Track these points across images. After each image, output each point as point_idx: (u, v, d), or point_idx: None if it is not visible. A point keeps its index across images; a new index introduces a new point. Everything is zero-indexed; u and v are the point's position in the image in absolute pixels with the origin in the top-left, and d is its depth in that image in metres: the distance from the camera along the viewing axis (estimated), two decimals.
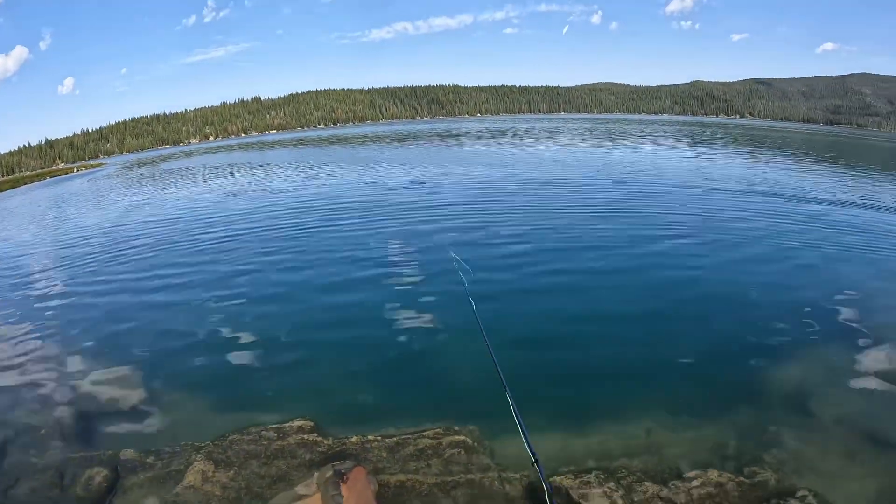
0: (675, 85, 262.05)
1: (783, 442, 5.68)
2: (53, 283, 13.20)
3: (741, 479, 5.10)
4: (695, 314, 8.60)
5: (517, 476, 4.93)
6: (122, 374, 7.69)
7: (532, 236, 13.05)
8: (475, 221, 14.82)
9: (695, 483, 4.99)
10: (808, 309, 8.70)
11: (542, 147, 44.44)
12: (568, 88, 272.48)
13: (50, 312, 10.94)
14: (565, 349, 7.46)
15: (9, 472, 6.10)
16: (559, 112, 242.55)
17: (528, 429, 3.77)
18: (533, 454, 3.39)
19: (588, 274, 10.32)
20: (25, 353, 9.05)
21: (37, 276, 14.45)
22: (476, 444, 5.13)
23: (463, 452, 5.05)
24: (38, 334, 9.81)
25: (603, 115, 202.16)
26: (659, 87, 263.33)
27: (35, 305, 11.58)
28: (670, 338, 7.72)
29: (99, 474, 5.56)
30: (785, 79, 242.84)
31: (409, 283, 9.96)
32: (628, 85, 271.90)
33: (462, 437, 5.22)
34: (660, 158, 34.09)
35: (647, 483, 4.92)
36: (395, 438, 5.37)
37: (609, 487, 4.81)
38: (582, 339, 7.72)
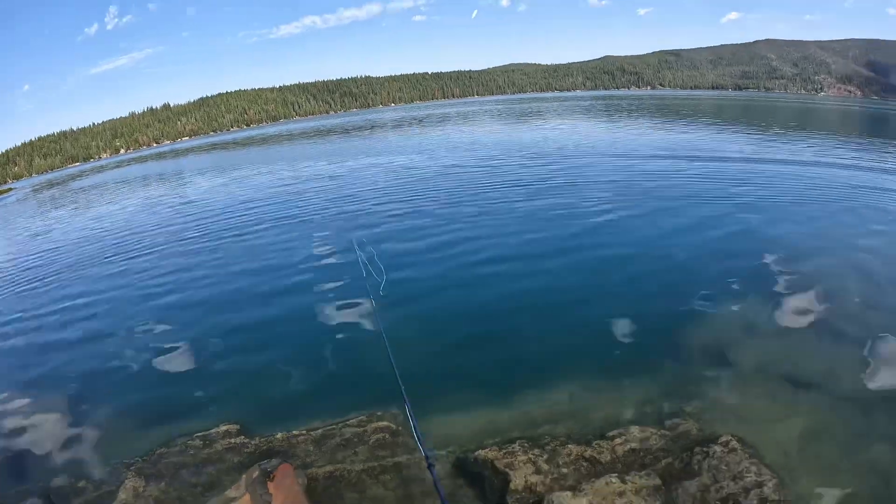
0: (586, 61, 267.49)
1: (704, 393, 5.96)
2: None
3: (663, 431, 5.36)
4: (616, 281, 8.91)
5: (444, 454, 5.14)
6: (47, 403, 7.54)
7: (448, 222, 13.23)
8: (391, 212, 14.96)
9: (618, 441, 5.22)
10: (729, 266, 9.17)
11: (458, 131, 44.82)
12: (480, 72, 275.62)
13: None
14: (485, 328, 7.68)
15: None
16: (473, 96, 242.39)
17: (423, 434, 4.00)
18: (427, 457, 3.48)
19: (507, 250, 10.54)
20: None
21: None
22: (401, 427, 5.31)
23: (388, 437, 5.22)
24: None
25: (517, 96, 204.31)
26: (570, 65, 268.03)
27: None
28: (592, 305, 8.02)
29: None
30: (693, 49, 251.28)
31: (321, 283, 9.98)
32: (540, 64, 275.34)
33: (386, 423, 5.40)
34: (576, 133, 34.78)
35: (570, 446, 5.13)
36: (320, 431, 5.49)
37: (533, 454, 5.01)
38: (503, 316, 7.96)
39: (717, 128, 36.01)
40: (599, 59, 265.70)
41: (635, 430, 5.33)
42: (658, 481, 4.76)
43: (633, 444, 5.19)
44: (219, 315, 9.35)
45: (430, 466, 3.46)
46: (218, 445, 5.54)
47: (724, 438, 5.14)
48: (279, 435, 5.51)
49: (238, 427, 5.82)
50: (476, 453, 5.01)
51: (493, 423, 5.52)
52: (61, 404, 7.42)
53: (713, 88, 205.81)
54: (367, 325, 7.11)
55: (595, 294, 8.31)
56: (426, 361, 6.67)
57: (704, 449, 5.04)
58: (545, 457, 5.01)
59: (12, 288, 14.19)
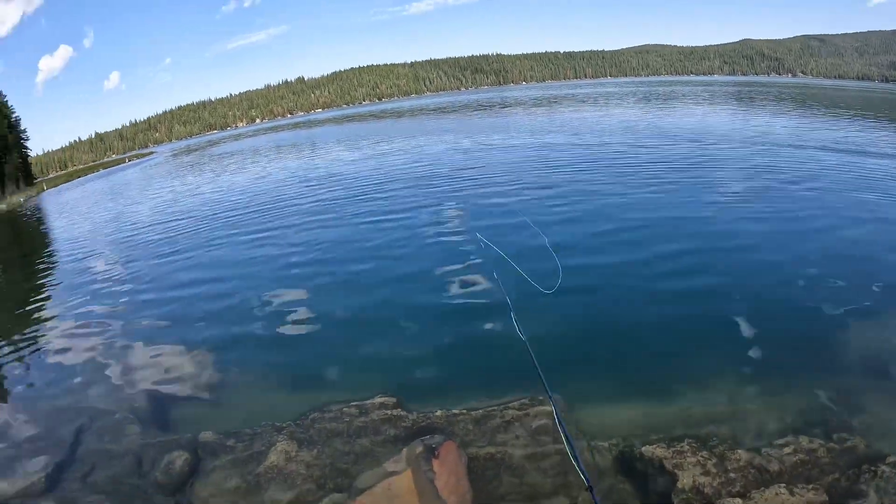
0: (723, 44, 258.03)
1: (869, 407, 5.61)
2: (118, 272, 13.82)
3: (831, 444, 5.06)
4: (770, 278, 8.40)
5: (605, 445, 4.99)
6: (194, 355, 7.93)
7: (585, 203, 12.94)
8: (528, 195, 14.48)
9: (786, 450, 4.96)
10: (891, 268, 8.48)
11: (595, 112, 43.26)
12: (613, 52, 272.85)
13: (117, 300, 11.41)
14: (635, 319, 7.42)
15: (85, 460, 6.24)
16: (605, 77, 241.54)
17: (579, 452, 3.72)
18: (587, 479, 3.28)
19: (651, 241, 10.06)
20: (94, 340, 9.36)
21: (101, 264, 15.26)
22: (563, 413, 5.09)
23: (551, 424, 5.04)
24: (106, 322, 10.18)
25: (651, 78, 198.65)
26: (707, 48, 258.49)
27: (102, 294, 12.11)
28: (747, 304, 7.53)
29: (179, 458, 5.67)
30: (838, 34, 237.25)
31: (454, 262, 9.87)
32: (675, 46, 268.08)
33: (548, 408, 5.18)
34: (718, 121, 32.85)
35: (739, 451, 4.90)
36: (480, 411, 5.41)
37: (702, 456, 4.80)
38: (651, 308, 7.65)
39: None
40: (737, 42, 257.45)
41: (804, 441, 5.04)
42: (825, 497, 4.49)
43: (801, 456, 4.91)
44: (356, 286, 9.53)
45: (590, 489, 3.26)
46: (374, 416, 5.53)
47: (892, 458, 4.82)
48: (438, 412, 5.46)
49: (395, 400, 5.82)
50: (642, 449, 4.83)
51: (651, 418, 5.32)
52: (209, 361, 7.71)
53: (859, 79, 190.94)
54: (507, 310, 6.93)
55: (750, 293, 7.84)
56: (575, 351, 6.57)
57: (872, 468, 4.72)
58: (713, 460, 4.78)
59: (154, 247, 15.59)
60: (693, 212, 11.78)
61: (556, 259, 8.53)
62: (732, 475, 4.68)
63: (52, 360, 8.98)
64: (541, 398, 5.37)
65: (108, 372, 7.95)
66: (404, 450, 4.93)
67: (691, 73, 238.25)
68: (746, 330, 6.83)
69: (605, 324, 7.25)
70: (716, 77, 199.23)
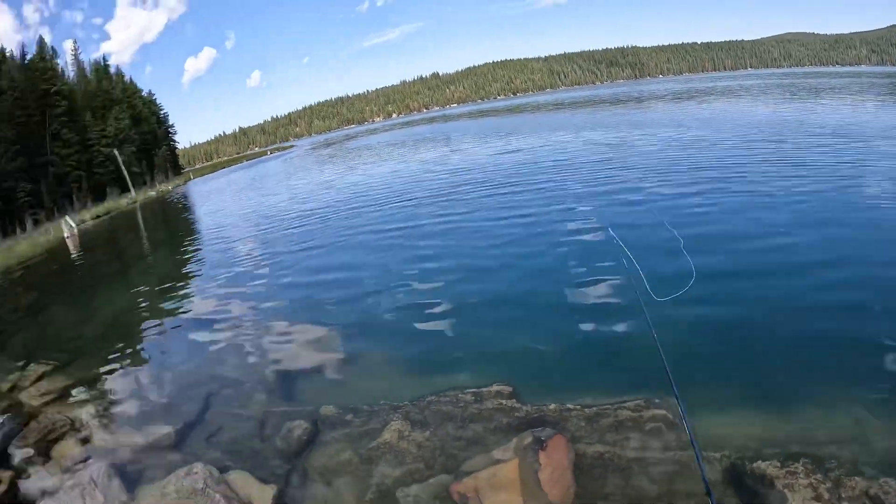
0: (870, 31, 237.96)
1: None
2: (255, 255, 15.39)
3: None
4: None
5: (717, 455, 4.96)
6: (322, 336, 8.58)
7: (727, 204, 12.36)
8: (665, 192, 14.07)
9: None
10: None
11: (738, 107, 40.55)
12: (753, 42, 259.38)
13: (253, 281, 12.64)
14: (766, 327, 7.10)
15: (212, 421, 6.88)
16: (745, 68, 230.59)
17: (695, 433, 3.76)
18: (707, 484, 3.30)
19: (795, 249, 9.45)
20: (230, 315, 10.46)
21: (240, 247, 17.09)
22: (676, 420, 5.14)
23: (663, 428, 5.11)
24: (242, 300, 11.29)
25: (794, 69, 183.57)
26: (852, 35, 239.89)
27: (240, 274, 13.54)
28: (885, 321, 7.02)
29: (299, 428, 6.17)
30: None
31: (582, 258, 9.87)
32: (818, 34, 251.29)
33: (663, 412, 5.28)
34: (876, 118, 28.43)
35: (856, 478, 4.72)
36: (594, 409, 5.50)
37: (816, 479, 4.68)
38: (785, 318, 7.28)
39: None
40: (886, 28, 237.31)
41: None
42: None
43: None
44: (483, 279, 9.80)
45: (709, 493, 3.30)
46: (488, 404, 5.80)
47: None
48: (552, 406, 5.62)
49: (511, 389, 6.04)
50: (754, 464, 4.77)
51: (771, 433, 5.21)
52: (335, 339, 8.37)
53: None
54: (635, 310, 6.92)
55: (889, 307, 7.27)
56: (698, 355, 6.45)
57: None
58: (828, 484, 4.66)
59: (290, 234, 17.11)
60: (850, 221, 10.79)
61: (689, 260, 8.37)
62: (846, 503, 4.57)
63: (190, 331, 10.05)
64: (657, 401, 5.41)
65: (240, 345, 8.78)
66: (514, 439, 5.14)
67: (836, 63, 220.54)
68: (892, 356, 6.45)
69: (735, 331, 7.01)
70: (863, 68, 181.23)
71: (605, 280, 8.68)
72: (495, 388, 6.06)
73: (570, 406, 5.56)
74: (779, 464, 4.80)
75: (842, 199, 12.17)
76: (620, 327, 7.19)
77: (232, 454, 6.20)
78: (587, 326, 7.41)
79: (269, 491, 5.42)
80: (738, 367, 6.29)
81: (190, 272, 15.68)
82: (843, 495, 4.62)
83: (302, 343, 8.46)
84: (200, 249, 19.10)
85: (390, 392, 6.48)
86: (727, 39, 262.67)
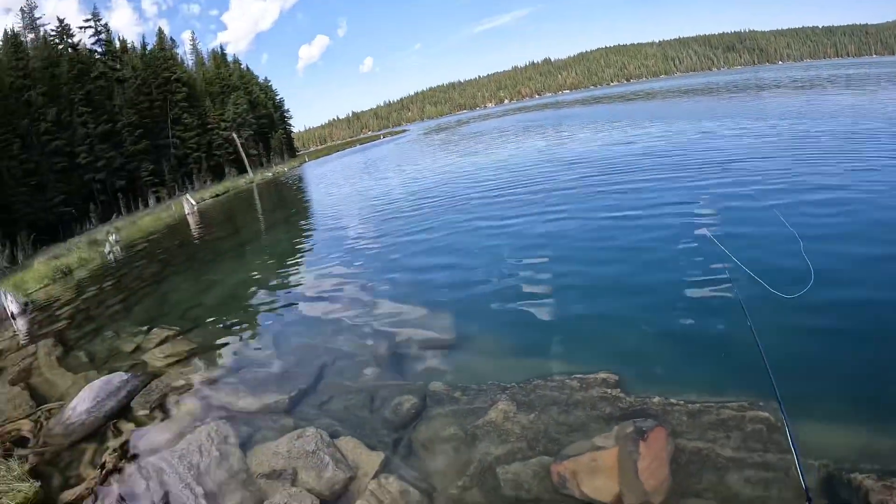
0: None
1: None
2: (369, 237, 16.14)
3: None
4: None
5: (815, 464, 5.06)
6: (432, 317, 9.13)
7: (857, 202, 11.44)
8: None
9: None
10: None
11: (865, 97, 37.12)
12: (879, 26, 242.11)
13: (367, 261, 13.41)
14: (880, 337, 6.81)
15: (324, 391, 7.51)
16: (870, 55, 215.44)
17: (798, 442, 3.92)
18: (807, 490, 3.47)
19: None
20: (344, 293, 11.17)
21: (353, 229, 18.03)
22: (779, 423, 5.27)
23: (765, 431, 5.26)
24: (356, 279, 11.99)
25: None
26: None
27: (355, 254, 14.36)
28: None
29: (407, 401, 6.70)
30: None
31: (686, 253, 9.78)
32: None
33: (765, 415, 5.40)
34: None
35: None
36: (697, 405, 5.68)
37: None
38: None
39: None
40: None
41: None
42: None
43: None
44: (591, 271, 9.90)
45: (809, 500, 3.48)
46: (593, 392, 6.14)
47: None
48: (656, 398, 5.87)
49: (616, 379, 6.32)
50: (852, 475, 4.87)
51: (872, 446, 5.26)
52: (446, 319, 8.86)
53: None
54: (745, 310, 6.97)
55: None
56: (808, 361, 6.42)
57: None
58: None
59: (402, 217, 17.62)
60: None
61: (808, 263, 8.33)
62: None
63: (306, 306, 10.87)
64: (761, 403, 5.52)
65: (354, 321, 9.47)
66: (615, 427, 5.47)
67: None
68: None
69: (849, 338, 6.84)
70: None
71: (714, 277, 8.59)
72: (601, 376, 6.33)
73: (673, 400, 5.77)
74: (876, 477, 4.86)
75: None
76: (727, 327, 7.19)
77: (342, 422, 6.79)
78: (694, 323, 7.47)
79: (377, 457, 5.96)
80: (848, 376, 6.21)
81: (304, 250, 16.71)
82: None
83: (412, 323, 8.99)
84: (314, 229, 20.37)
85: (498, 374, 6.90)
86: (850, 23, 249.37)
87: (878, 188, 12.38)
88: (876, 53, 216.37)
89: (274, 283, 13.05)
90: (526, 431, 5.81)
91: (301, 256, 15.67)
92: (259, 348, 9.38)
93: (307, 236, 18.70)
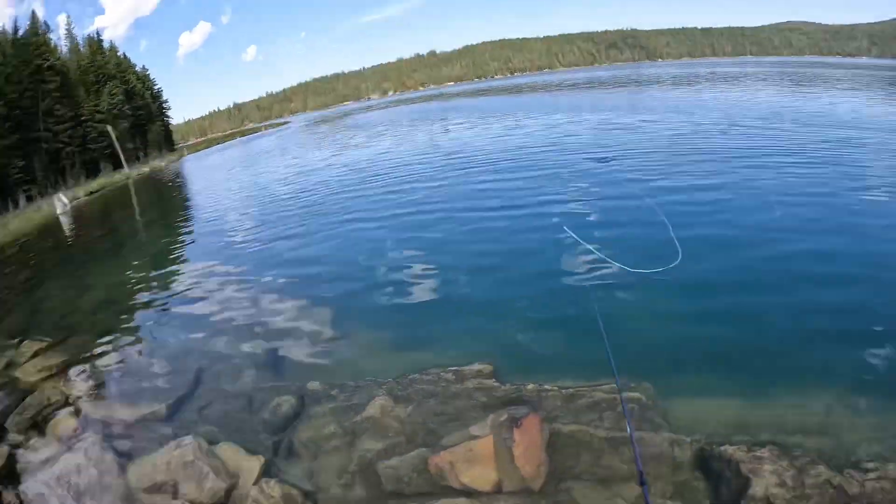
0: (874, 23, 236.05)
1: None
2: (249, 233, 15.70)
3: None
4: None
5: (687, 440, 5.18)
6: (312, 312, 8.91)
7: (722, 190, 12.49)
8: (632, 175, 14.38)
9: (871, 475, 4.91)
10: None
11: (736, 94, 40.63)
12: (754, 29, 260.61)
13: (246, 258, 12.97)
14: (751, 317, 7.28)
15: (203, 396, 7.19)
16: (745, 55, 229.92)
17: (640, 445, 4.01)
18: (641, 474, 3.48)
19: (782, 237, 9.58)
20: (222, 293, 10.70)
21: (233, 225, 17.40)
22: (650, 402, 5.40)
23: (637, 409, 5.32)
24: (234, 277, 11.61)
25: (795, 58, 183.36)
26: (854, 27, 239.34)
27: (233, 251, 13.86)
28: (869, 311, 7.21)
29: (286, 402, 6.48)
30: None
31: (587, 241, 9.85)
32: (820, 24, 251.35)
33: (637, 395, 5.51)
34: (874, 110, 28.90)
35: (820, 467, 4.92)
36: (570, 390, 5.75)
37: (781, 466, 4.89)
38: (772, 307, 7.42)
39: None
40: (889, 21, 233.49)
41: (891, 469, 5.04)
42: None
43: (884, 484, 4.87)
44: (469, 264, 9.95)
45: (643, 483, 3.47)
46: (469, 383, 6.08)
47: None
48: (530, 386, 5.88)
49: (491, 369, 6.32)
50: (721, 448, 5.00)
51: (740, 418, 5.44)
52: (324, 315, 8.72)
53: None
54: (617, 296, 7.20)
55: (873, 300, 7.46)
56: (676, 341, 6.69)
57: None
58: (792, 472, 4.88)
59: (284, 212, 17.35)
60: (840, 209, 10.94)
61: (676, 245, 8.66)
62: (808, 491, 4.75)
63: (185, 308, 10.34)
64: (632, 384, 5.65)
65: (231, 322, 9.07)
66: (490, 416, 5.40)
67: (837, 54, 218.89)
68: (867, 343, 6.52)
69: (713, 316, 7.21)
70: (863, 59, 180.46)
71: (589, 264, 8.88)
72: (476, 367, 6.32)
73: (547, 387, 5.81)
74: (746, 449, 5.02)
75: (840, 189, 12.19)
76: (600, 312, 6.95)
77: (221, 427, 6.46)
78: (566, 311, 7.66)
79: (257, 462, 5.70)
80: (718, 352, 6.49)
81: (183, 249, 15.93)
82: (806, 483, 4.84)
83: (291, 320, 8.73)
84: (193, 227, 19.41)
85: (375, 369, 6.75)
86: (728, 26, 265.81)
87: (748, 179, 13.28)
88: (751, 54, 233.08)
89: (152, 284, 12.44)
90: (404, 425, 5.67)
91: (180, 256, 14.99)
92: (137, 355, 8.90)
93: (186, 234, 17.85)
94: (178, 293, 11.40)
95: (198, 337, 8.89)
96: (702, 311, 7.36)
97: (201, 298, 10.61)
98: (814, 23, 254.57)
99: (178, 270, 13.32)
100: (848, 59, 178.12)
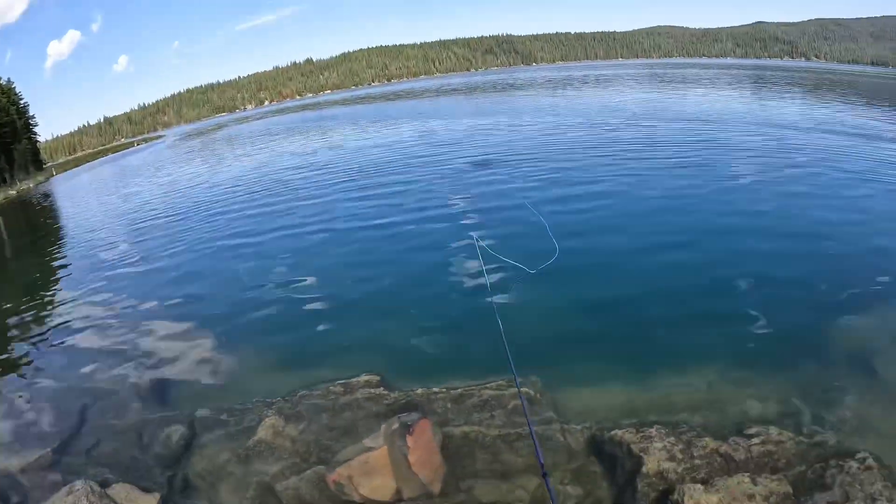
0: (736, 27, 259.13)
1: (845, 402, 5.76)
2: (125, 257, 14.74)
3: (800, 438, 5.26)
4: (760, 264, 8.57)
5: (579, 428, 5.29)
6: (195, 335, 8.55)
7: (591, 186, 13.28)
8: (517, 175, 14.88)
9: (754, 440, 5.19)
10: (884, 259, 8.57)
11: (607, 94, 43.56)
12: (625, 33, 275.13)
13: (124, 284, 12.19)
14: (628, 305, 7.69)
15: (90, 435, 6.79)
16: (617, 58, 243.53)
17: (537, 437, 3.96)
18: (542, 465, 3.53)
19: (651, 226, 10.36)
20: (101, 323, 10.03)
21: (109, 249, 16.22)
22: (539, 395, 5.49)
23: (527, 404, 5.34)
24: (112, 305, 10.88)
25: (663, 60, 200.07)
26: (719, 30, 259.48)
27: (110, 278, 12.94)
28: (734, 289, 7.80)
29: (176, 433, 6.18)
30: (853, 19, 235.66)
31: (444, 243, 10.43)
32: (687, 28, 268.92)
33: (525, 389, 5.53)
34: (730, 105, 32.53)
35: (706, 438, 5.15)
36: (459, 391, 5.77)
37: (669, 442, 5.08)
38: (647, 294, 7.90)
39: None
40: (751, 24, 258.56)
41: (773, 432, 5.26)
42: (789, 489, 4.70)
43: (769, 447, 5.15)
44: (352, 275, 9.94)
45: (544, 475, 3.49)
46: (358, 394, 5.97)
47: (861, 455, 4.96)
48: (419, 390, 5.85)
49: (379, 378, 6.24)
50: (612, 433, 5.13)
51: (628, 402, 5.63)
52: (208, 337, 8.36)
53: (872, 64, 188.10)
54: (498, 295, 7.32)
55: (735, 276, 8.09)
56: (561, 334, 6.91)
57: (840, 463, 4.89)
58: (680, 446, 5.06)
59: (161, 232, 16.52)
60: (701, 196, 11.98)
61: (553, 242, 8.96)
62: (697, 462, 4.95)
63: (60, 342, 9.62)
64: (520, 379, 5.66)
65: (112, 352, 8.55)
66: (382, 426, 5.32)
67: (703, 55, 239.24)
68: (738, 319, 7.04)
69: (596, 308, 7.54)
70: (728, 60, 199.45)
71: (468, 267, 9.10)
72: (364, 377, 6.25)
73: (436, 390, 5.82)
74: (635, 430, 5.18)
75: (700, 178, 13.45)
76: (483, 312, 7.37)
77: (112, 467, 6.05)
78: (452, 313, 7.81)
79: (153, 499, 5.39)
80: (601, 341, 6.82)
81: (57, 279, 14.71)
82: (695, 454, 5.03)
83: (175, 345, 8.34)
84: (67, 253, 17.72)
85: (263, 389, 6.55)
86: (599, 30, 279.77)
87: (616, 176, 14.28)
88: (622, 57, 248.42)
89: (26, 318, 11.34)
90: (297, 444, 5.49)
91: (54, 285, 13.82)
92: (13, 398, 8.17)
93: (59, 263, 16.47)
94: (55, 326, 10.48)
95: (80, 372, 8.26)
96: (581, 303, 7.70)
97: (80, 330, 9.82)
98: (681, 27, 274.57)
99: (54, 301, 12.27)
100: (714, 60, 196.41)
